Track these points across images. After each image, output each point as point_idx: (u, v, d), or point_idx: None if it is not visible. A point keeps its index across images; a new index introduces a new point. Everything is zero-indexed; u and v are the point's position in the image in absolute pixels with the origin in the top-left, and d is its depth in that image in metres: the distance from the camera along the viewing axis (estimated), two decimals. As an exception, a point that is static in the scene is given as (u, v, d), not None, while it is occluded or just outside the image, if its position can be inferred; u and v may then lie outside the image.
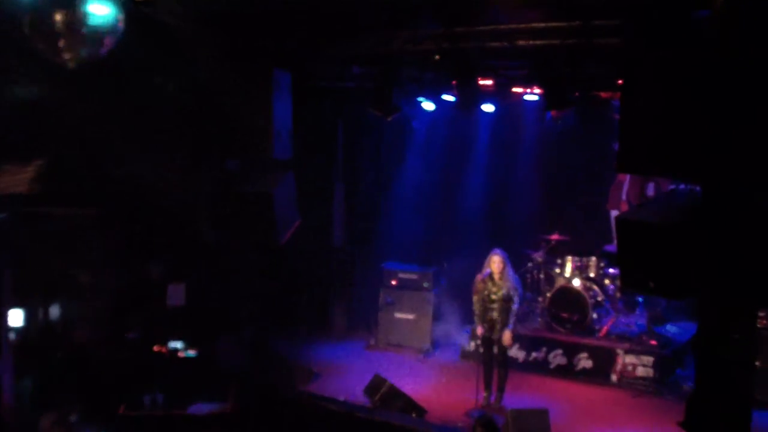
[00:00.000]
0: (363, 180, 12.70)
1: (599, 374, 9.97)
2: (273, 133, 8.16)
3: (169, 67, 7.81)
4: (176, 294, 9.00)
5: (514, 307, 8.69)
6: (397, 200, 12.64)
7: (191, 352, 8.67)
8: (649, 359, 9.72)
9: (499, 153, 12.48)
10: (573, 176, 11.88)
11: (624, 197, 10.87)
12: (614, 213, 10.70)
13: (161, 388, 7.94)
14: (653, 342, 10.01)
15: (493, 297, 8.76)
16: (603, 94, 9.77)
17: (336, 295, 12.26)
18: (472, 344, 10.75)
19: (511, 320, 8.72)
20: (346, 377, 10.04)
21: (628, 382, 9.80)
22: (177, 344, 8.67)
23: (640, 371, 9.74)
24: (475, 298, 8.91)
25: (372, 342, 11.68)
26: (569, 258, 10.91)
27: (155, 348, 8.60)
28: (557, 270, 11.07)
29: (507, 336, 8.73)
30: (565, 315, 10.56)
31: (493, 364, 8.98)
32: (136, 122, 7.84)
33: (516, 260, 9.75)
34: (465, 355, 10.92)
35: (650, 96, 4.93)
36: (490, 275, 8.76)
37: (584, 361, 10.15)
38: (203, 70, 7.94)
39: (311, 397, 8.61)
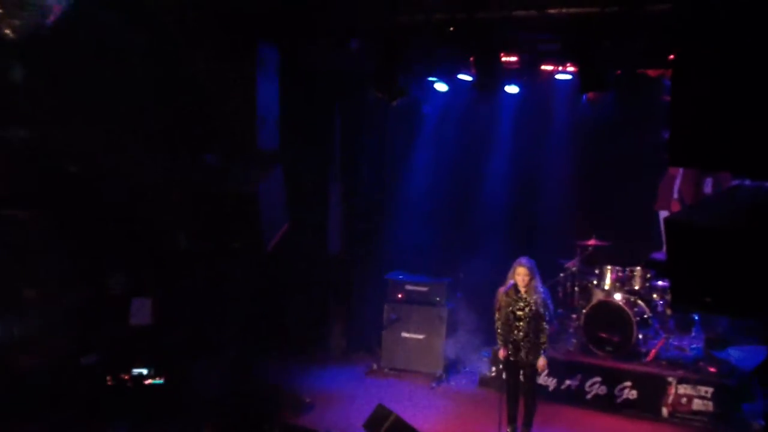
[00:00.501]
0: (364, 176, 12.70)
1: (647, 407, 9.93)
2: (257, 120, 8.23)
3: (134, 42, 7.87)
4: (141, 311, 9.07)
5: (545, 326, 8.64)
6: (403, 200, 12.70)
7: (159, 380, 8.70)
8: (707, 390, 9.68)
9: (525, 144, 12.47)
10: (614, 171, 11.84)
11: (676, 195, 10.90)
12: (664, 214, 10.68)
13: (123, 424, 8.02)
14: (712, 369, 9.99)
15: (519, 314, 8.69)
16: (651, 72, 9.75)
17: (332, 311, 12.33)
18: (494, 369, 10.80)
19: (544, 342, 8.68)
20: (344, 408, 10.03)
21: (683, 418, 9.78)
22: (142, 370, 8.69)
23: (697, 405, 9.72)
24: (497, 315, 8.82)
25: (374, 366, 11.68)
26: (609, 268, 10.91)
27: (116, 375, 8.60)
28: (595, 282, 11.07)
29: (542, 362, 8.69)
30: (604, 335, 10.54)
31: (518, 393, 8.89)
32: (95, 108, 7.91)
33: (546, 270, 9.67)
34: (485, 382, 10.92)
35: (709, 74, 4.86)
36: (515, 288, 8.68)
37: (628, 392, 10.10)
38: (173, 46, 8.02)
39: (303, 431, 8.65)
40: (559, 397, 10.35)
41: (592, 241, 11.38)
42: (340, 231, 12.45)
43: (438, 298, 11.47)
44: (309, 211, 11.34)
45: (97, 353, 8.68)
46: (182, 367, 9.01)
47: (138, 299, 9.07)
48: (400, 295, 11.65)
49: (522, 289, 8.70)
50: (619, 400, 10.10)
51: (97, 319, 8.71)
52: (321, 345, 12.12)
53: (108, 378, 8.65)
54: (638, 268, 10.81)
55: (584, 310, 10.78)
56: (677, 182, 10.93)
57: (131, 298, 9.07)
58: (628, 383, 10.07)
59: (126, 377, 8.64)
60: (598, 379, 10.25)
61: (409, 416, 8.74)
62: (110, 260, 8.93)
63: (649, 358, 10.41)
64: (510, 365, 8.90)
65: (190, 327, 9.38)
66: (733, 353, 10.10)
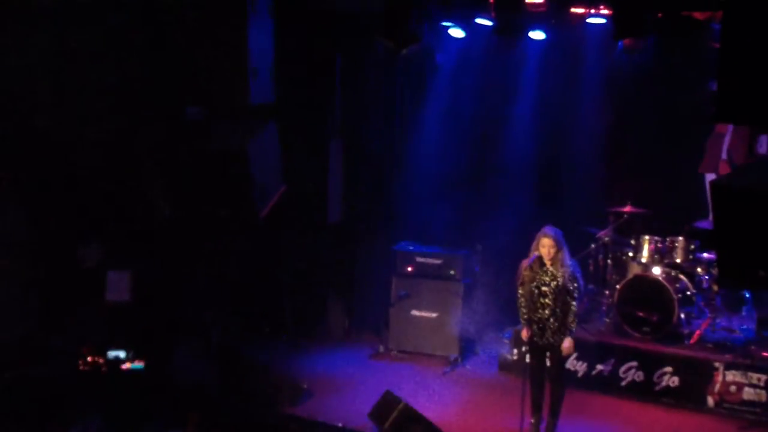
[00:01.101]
0: (369, 134, 12.65)
1: (689, 396, 9.93)
2: (248, 70, 8.22)
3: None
4: (118, 286, 9.09)
5: (574, 303, 8.64)
6: (414, 161, 12.63)
7: (138, 364, 8.72)
8: (760, 377, 9.63)
9: (552, 98, 12.38)
10: (653, 129, 11.81)
11: (724, 156, 10.84)
12: (710, 177, 10.50)
13: (97, 413, 7.99)
14: (766, 354, 9.90)
15: (544, 289, 8.70)
16: (697, 15, 9.63)
17: (333, 287, 12.30)
18: (515, 352, 10.80)
19: (572, 322, 8.68)
20: (347, 395, 10.06)
21: (731, 409, 9.74)
22: (119, 353, 8.71)
23: (748, 394, 9.67)
24: (520, 291, 8.82)
25: (381, 348, 11.69)
26: (647, 238, 10.82)
27: (89, 358, 8.59)
28: (630, 254, 11.00)
29: (567, 344, 8.69)
30: (641, 314, 10.49)
31: (543, 379, 8.90)
32: (64, 57, 8.00)
33: (575, 241, 9.64)
34: (506, 366, 10.95)
35: (766, 17, 4.83)
36: (540, 261, 8.67)
37: (668, 378, 10.08)
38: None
39: (300, 422, 8.68)
40: (590, 383, 10.36)
41: (627, 208, 11.27)
42: (342, 196, 12.43)
43: (453, 272, 11.46)
44: (306, 173, 11.37)
45: (67, 334, 8.73)
46: (164, 349, 9.05)
47: (114, 272, 9.08)
48: (409, 269, 11.65)
49: (547, 262, 8.68)
50: (657, 388, 10.10)
51: (67, 294, 8.77)
52: (320, 325, 12.11)
53: (80, 362, 8.67)
54: (680, 238, 10.77)
55: (618, 286, 10.76)
56: (726, 141, 10.88)
57: (107, 271, 9.07)
58: (669, 369, 10.07)
59: (100, 361, 8.65)
60: (635, 363, 10.24)
61: (419, 405, 8.72)
62: (84, 229, 8.98)
63: (692, 341, 10.38)
64: (534, 347, 8.89)
65: (173, 304, 9.45)
66: (791, 335, 10.12)
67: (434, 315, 11.49)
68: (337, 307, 12.36)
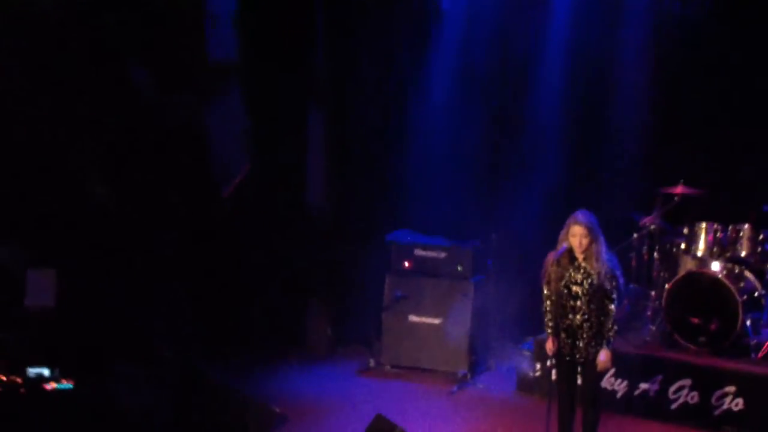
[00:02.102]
0: (357, 101, 12.65)
1: (758, 423, 9.78)
2: (205, 19, 8.47)
3: None
4: (41, 289, 9.12)
5: (612, 307, 8.54)
6: (413, 131, 12.61)
7: (66, 384, 8.73)
8: None
9: (586, 53, 12.37)
10: (712, 89, 11.69)
11: None
12: None
13: None
14: None
15: (576, 289, 8.60)
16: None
17: (313, 287, 12.40)
18: (539, 367, 10.79)
19: (610, 330, 8.60)
20: (329, 421, 10.07)
21: None
22: (42, 371, 8.71)
23: None
24: (545, 291, 8.72)
25: (371, 363, 11.71)
26: (704, 226, 10.80)
27: (3, 377, 8.64)
28: (683, 246, 10.98)
29: (603, 358, 8.58)
30: (696, 321, 10.46)
31: (573, 401, 8.75)
32: None
33: (612, 230, 9.43)
34: (526, 385, 10.94)
35: None
36: (570, 254, 8.56)
37: (731, 401, 9.93)
38: None
39: None
40: (632, 406, 10.34)
41: (679, 188, 11.15)
42: (324, 175, 12.46)
43: (460, 268, 11.46)
44: (279, 149, 11.41)
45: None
46: (101, 366, 9.09)
47: (36, 272, 9.16)
48: (407, 264, 11.67)
49: (579, 256, 8.59)
50: (717, 413, 9.99)
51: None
52: (298, 335, 12.16)
53: (-1, 377, 8.82)
54: (746, 225, 10.72)
55: (667, 286, 10.70)
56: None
57: (26, 270, 9.16)
58: (731, 389, 9.97)
59: (18, 380, 8.67)
60: (688, 382, 10.18)
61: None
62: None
63: (761, 354, 10.34)
64: (562, 362, 8.78)
65: (111, 311, 9.50)
66: None
67: (437, 321, 11.49)
68: (318, 313, 12.42)
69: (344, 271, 12.52)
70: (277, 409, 9.97)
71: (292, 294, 12.20)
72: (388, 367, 11.62)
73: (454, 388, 11.11)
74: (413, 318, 11.57)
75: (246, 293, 11.60)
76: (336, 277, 12.57)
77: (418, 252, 11.67)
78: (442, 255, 11.60)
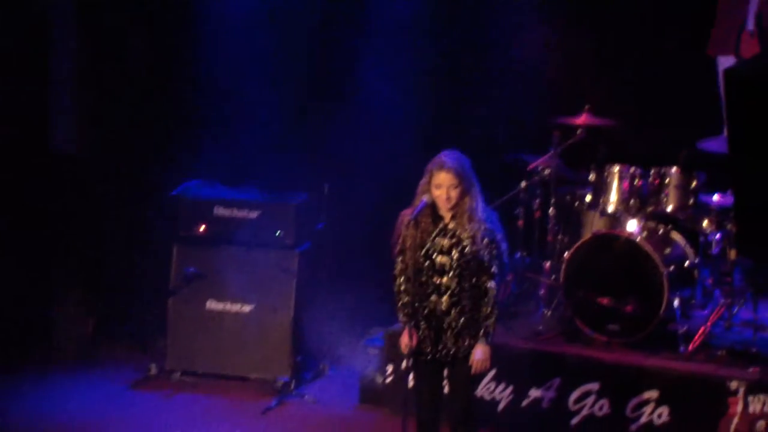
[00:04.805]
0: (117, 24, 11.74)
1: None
2: None
3: None
4: None
5: (491, 285, 7.73)
6: (210, 48, 11.36)
7: None
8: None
9: None
10: None
11: (750, 27, 10.50)
12: (725, 63, 10.40)
13: None
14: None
15: (442, 261, 7.75)
16: None
17: (63, 267, 11.37)
18: (390, 371, 9.98)
19: (489, 317, 7.74)
20: None
21: None
22: None
23: None
24: (399, 265, 7.82)
25: (152, 370, 10.60)
26: (616, 170, 10.06)
27: None
28: (588, 198, 10.26)
29: (480, 356, 7.71)
30: (606, 302, 9.70)
31: (438, 414, 7.91)
32: None
33: (492, 177, 8.74)
34: (372, 396, 10.05)
35: None
36: (433, 211, 7.74)
37: (651, 410, 9.22)
38: None
39: None
40: (519, 421, 9.52)
41: (582, 118, 10.28)
42: (79, 111, 11.48)
43: (280, 233, 10.36)
44: (10, 71, 10.57)
45: None
46: None
47: None
48: (202, 228, 10.50)
49: (446, 215, 7.79)
50: (634, 427, 9.26)
51: None
52: (40, 329, 11.05)
53: None
54: (674, 169, 9.94)
55: (567, 254, 9.93)
56: (752, 3, 10.68)
57: None
58: (653, 394, 9.25)
59: None
60: (594, 386, 9.35)
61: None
62: None
63: (692, 346, 9.55)
64: (422, 362, 7.88)
65: None
66: None
67: (248, 309, 10.43)
68: (71, 298, 11.22)
69: (109, 243, 11.53)
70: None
71: (31, 275, 11.01)
72: (176, 375, 10.40)
73: (272, 403, 9.97)
74: (212, 305, 10.37)
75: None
76: (98, 252, 11.45)
77: (219, 211, 10.42)
78: (254, 214, 10.42)
